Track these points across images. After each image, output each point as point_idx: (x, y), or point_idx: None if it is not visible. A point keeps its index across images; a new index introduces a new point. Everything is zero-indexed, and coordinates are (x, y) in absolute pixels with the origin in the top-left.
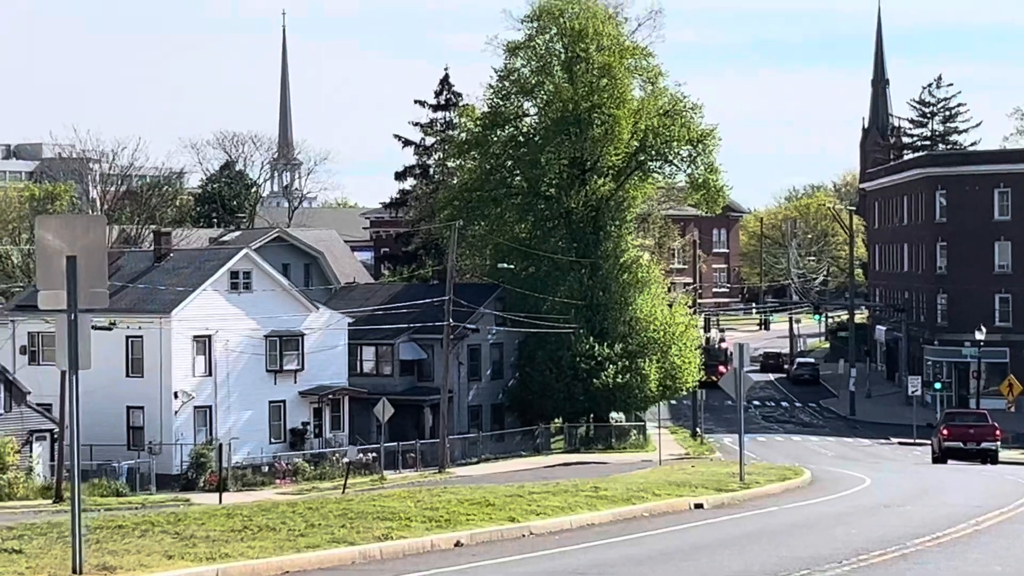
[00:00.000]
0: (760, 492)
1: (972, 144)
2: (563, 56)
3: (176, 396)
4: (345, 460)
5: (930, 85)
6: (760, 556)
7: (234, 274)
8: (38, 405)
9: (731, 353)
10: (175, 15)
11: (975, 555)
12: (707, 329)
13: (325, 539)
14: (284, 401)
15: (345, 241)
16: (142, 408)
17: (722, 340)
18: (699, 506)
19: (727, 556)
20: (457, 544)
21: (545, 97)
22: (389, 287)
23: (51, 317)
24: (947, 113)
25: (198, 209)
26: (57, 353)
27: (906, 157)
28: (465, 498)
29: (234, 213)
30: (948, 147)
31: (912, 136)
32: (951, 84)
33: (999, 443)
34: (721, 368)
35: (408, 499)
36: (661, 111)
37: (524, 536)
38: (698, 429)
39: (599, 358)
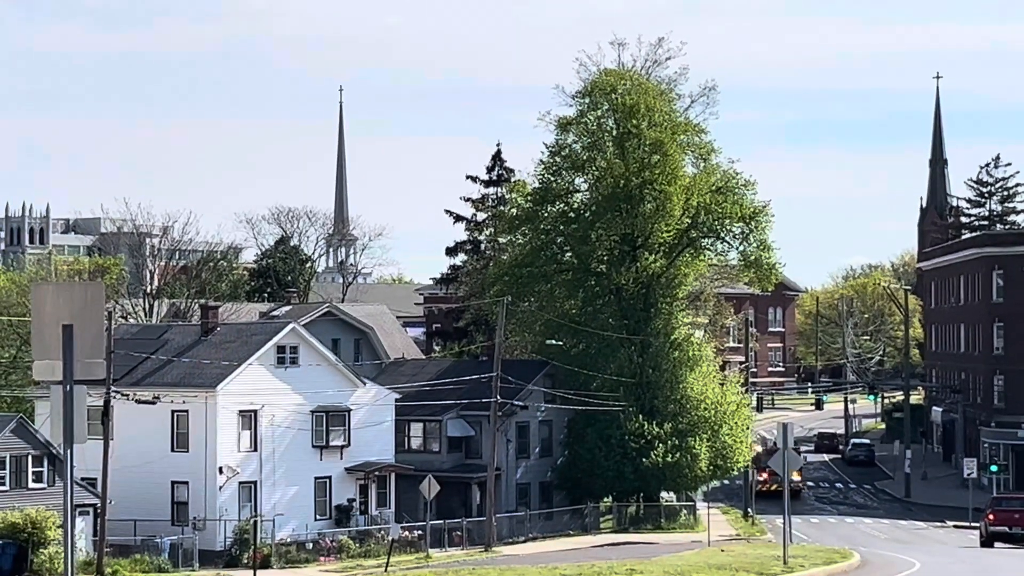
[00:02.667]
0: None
1: None
2: (615, 132)
3: (221, 471)
4: (389, 538)
5: (988, 165)
6: None
7: (280, 348)
8: (83, 479)
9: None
10: (234, 89)
11: None
12: (759, 409)
13: None
14: (330, 477)
15: (397, 316)
16: (187, 483)
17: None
18: None
19: None
20: None
21: (596, 173)
22: (438, 363)
23: (44, 389)
24: (1005, 193)
25: (252, 284)
26: (52, 425)
27: (963, 237)
28: None
29: (288, 288)
30: (1006, 227)
31: (970, 216)
32: (1009, 164)
33: None
34: (763, 475)
35: None
36: (713, 187)
37: None
38: (749, 510)
39: (649, 436)
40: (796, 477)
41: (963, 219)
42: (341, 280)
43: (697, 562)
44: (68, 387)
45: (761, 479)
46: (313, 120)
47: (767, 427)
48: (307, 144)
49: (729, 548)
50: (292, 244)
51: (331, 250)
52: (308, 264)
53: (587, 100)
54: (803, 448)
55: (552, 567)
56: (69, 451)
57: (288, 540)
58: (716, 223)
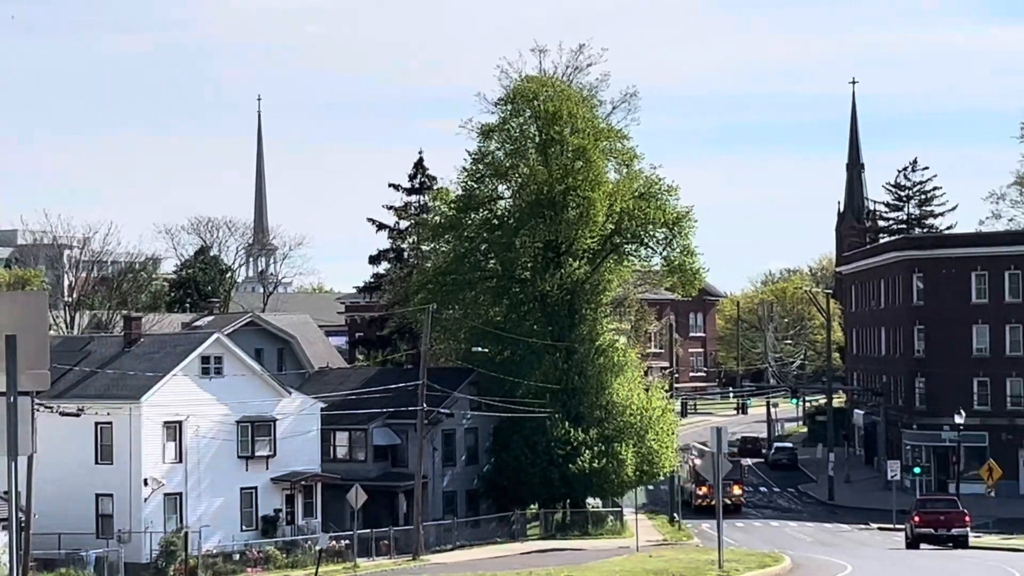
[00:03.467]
0: None
1: (948, 227)
2: (537, 139)
3: (146, 483)
4: (317, 548)
5: (905, 169)
6: None
7: (205, 359)
8: (4, 493)
9: (743, 472)
10: (153, 99)
11: None
12: (683, 414)
13: None
14: (256, 488)
15: (320, 326)
16: (111, 496)
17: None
18: None
19: None
20: None
21: (519, 180)
22: (363, 371)
23: None
24: (923, 196)
25: (172, 294)
26: None
27: (882, 240)
28: None
29: (208, 298)
30: (924, 230)
31: (888, 220)
32: (927, 167)
33: (968, 529)
34: (703, 489)
35: None
36: (636, 193)
37: None
38: (675, 515)
39: (575, 443)
40: (737, 491)
41: (881, 223)
42: (262, 290)
43: (633, 568)
44: (12, 399)
45: (701, 493)
46: (232, 129)
47: (694, 433)
48: (226, 153)
49: (659, 553)
50: (212, 254)
51: (251, 260)
52: (228, 274)
53: (509, 107)
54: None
55: (481, 573)
56: (14, 464)
57: (215, 551)
58: (639, 229)
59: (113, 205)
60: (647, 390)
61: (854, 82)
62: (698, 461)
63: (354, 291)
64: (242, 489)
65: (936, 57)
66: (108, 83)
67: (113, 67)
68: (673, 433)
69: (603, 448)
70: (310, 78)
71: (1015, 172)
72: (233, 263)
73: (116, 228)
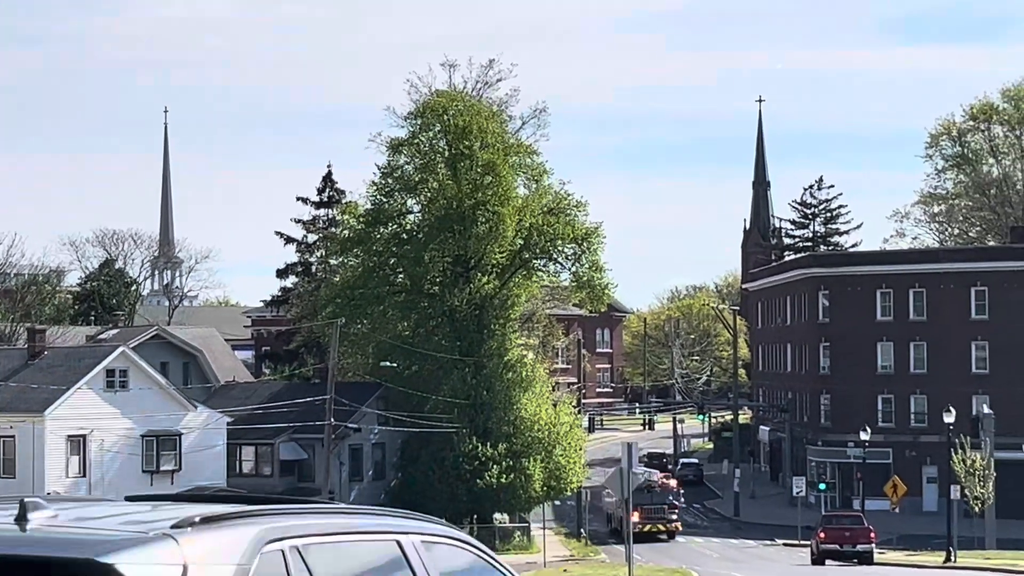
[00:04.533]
0: None
1: (853, 245)
2: (447, 153)
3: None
4: None
5: (811, 187)
6: None
7: (110, 372)
8: None
9: (678, 495)
10: (58, 112)
11: None
12: (591, 430)
13: None
14: None
15: (226, 339)
16: None
17: (665, 479)
18: None
19: None
20: None
21: (429, 194)
22: (269, 386)
23: None
24: (828, 215)
25: (76, 307)
26: None
27: (788, 258)
28: None
29: (113, 311)
30: (829, 248)
31: (794, 237)
32: (832, 186)
33: (873, 545)
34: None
35: None
36: (546, 209)
37: None
38: (583, 530)
39: (483, 458)
40: (673, 516)
41: (787, 240)
42: (167, 303)
43: None
44: None
45: (635, 520)
46: (138, 142)
47: (600, 449)
48: (132, 166)
49: (571, 569)
50: (117, 267)
51: (156, 273)
52: (133, 287)
53: (419, 121)
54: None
55: None
56: None
57: None
58: (548, 244)
59: (16, 218)
60: (555, 405)
61: (760, 100)
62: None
63: (261, 305)
64: None
65: (843, 77)
66: (13, 96)
67: (17, 81)
68: (581, 449)
69: (511, 463)
70: (218, 92)
71: (919, 191)
72: (138, 276)
73: (20, 240)
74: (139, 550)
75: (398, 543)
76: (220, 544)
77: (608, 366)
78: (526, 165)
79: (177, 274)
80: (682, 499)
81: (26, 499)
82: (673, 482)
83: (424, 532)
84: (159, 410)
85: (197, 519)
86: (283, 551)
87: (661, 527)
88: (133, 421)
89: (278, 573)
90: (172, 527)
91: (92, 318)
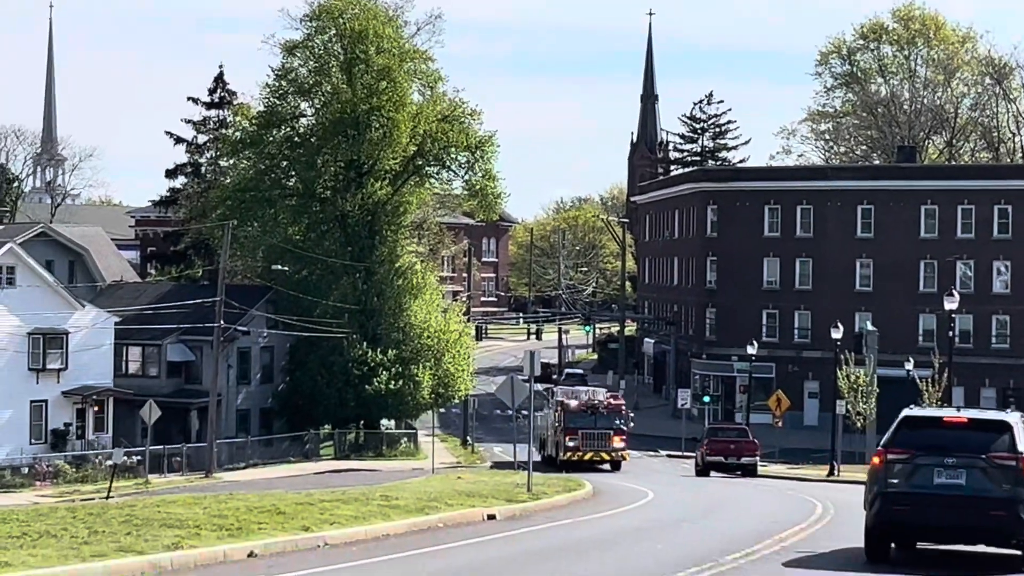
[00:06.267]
0: (549, 504)
1: (741, 161)
2: (342, 57)
3: None
4: (110, 462)
5: (701, 102)
6: (572, 573)
7: None
8: None
9: (627, 419)
10: None
11: (793, 572)
12: (479, 338)
13: (111, 547)
14: (46, 401)
15: (111, 239)
16: None
17: (612, 398)
18: (492, 517)
19: (538, 572)
20: (251, 555)
21: (323, 98)
22: (157, 287)
23: None
24: (717, 130)
25: None
26: None
27: (676, 172)
28: (254, 505)
29: None
30: (718, 163)
31: (682, 151)
32: (721, 101)
33: (758, 458)
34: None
35: (194, 505)
36: (439, 116)
37: (320, 547)
38: (469, 438)
39: (372, 364)
40: (619, 443)
41: (675, 154)
42: (50, 201)
43: (446, 489)
44: None
45: (570, 445)
46: (22, 36)
47: (487, 356)
48: (15, 61)
49: (465, 476)
50: None
51: (39, 170)
52: (15, 184)
53: (314, 24)
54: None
55: (306, 493)
56: None
57: (3, 464)
58: (442, 152)
59: None
60: (444, 313)
61: (651, 14)
62: (572, 403)
63: (146, 205)
64: (32, 402)
65: None
66: None
67: None
68: (469, 357)
69: (400, 370)
70: None
71: (807, 109)
72: (20, 173)
73: None
74: None
75: None
76: None
77: (493, 275)
78: (421, 71)
79: (60, 172)
80: (632, 423)
81: None
82: (621, 402)
83: None
84: (46, 308)
85: None
86: None
87: (604, 455)
88: (20, 319)
89: None
90: None
91: None
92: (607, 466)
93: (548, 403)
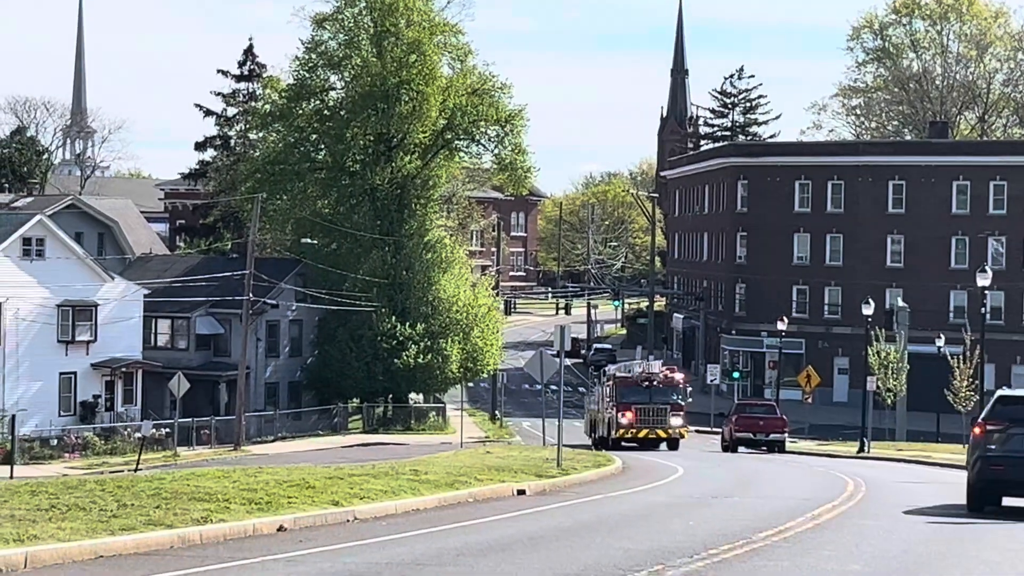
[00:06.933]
0: (579, 479)
1: (771, 136)
2: (372, 30)
3: None
4: (139, 435)
5: (731, 76)
6: (604, 549)
7: (27, 240)
8: None
9: (685, 393)
10: None
11: (827, 552)
12: (508, 313)
13: (140, 521)
14: (75, 373)
15: (140, 212)
16: None
17: (669, 371)
18: (522, 492)
19: (570, 548)
20: (280, 529)
21: (353, 71)
22: (186, 259)
23: None
24: (748, 104)
25: None
26: None
27: (707, 147)
28: (284, 479)
29: (25, 180)
30: (748, 138)
31: (713, 126)
32: (752, 76)
33: (786, 434)
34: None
35: (224, 479)
36: (470, 90)
37: (349, 521)
38: (497, 412)
39: (401, 338)
40: (677, 421)
41: (705, 129)
42: (79, 173)
43: (475, 463)
44: None
45: (624, 422)
46: (51, 8)
47: (515, 331)
48: (45, 33)
49: (495, 450)
50: (29, 135)
51: (68, 142)
52: (45, 156)
53: None
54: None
55: (336, 467)
56: None
57: (31, 436)
58: (472, 125)
59: None
60: (473, 287)
61: None
62: (625, 375)
63: (177, 178)
64: (61, 374)
65: None
66: None
67: None
68: (498, 331)
69: (429, 344)
70: None
71: (838, 84)
72: (50, 145)
73: None
74: None
75: None
76: None
77: (522, 250)
78: (451, 44)
79: (90, 144)
80: (691, 398)
81: None
82: (679, 375)
83: None
84: (75, 280)
85: None
86: None
87: (661, 432)
88: (49, 291)
89: None
90: None
91: (4, 185)
92: (664, 445)
93: (600, 380)
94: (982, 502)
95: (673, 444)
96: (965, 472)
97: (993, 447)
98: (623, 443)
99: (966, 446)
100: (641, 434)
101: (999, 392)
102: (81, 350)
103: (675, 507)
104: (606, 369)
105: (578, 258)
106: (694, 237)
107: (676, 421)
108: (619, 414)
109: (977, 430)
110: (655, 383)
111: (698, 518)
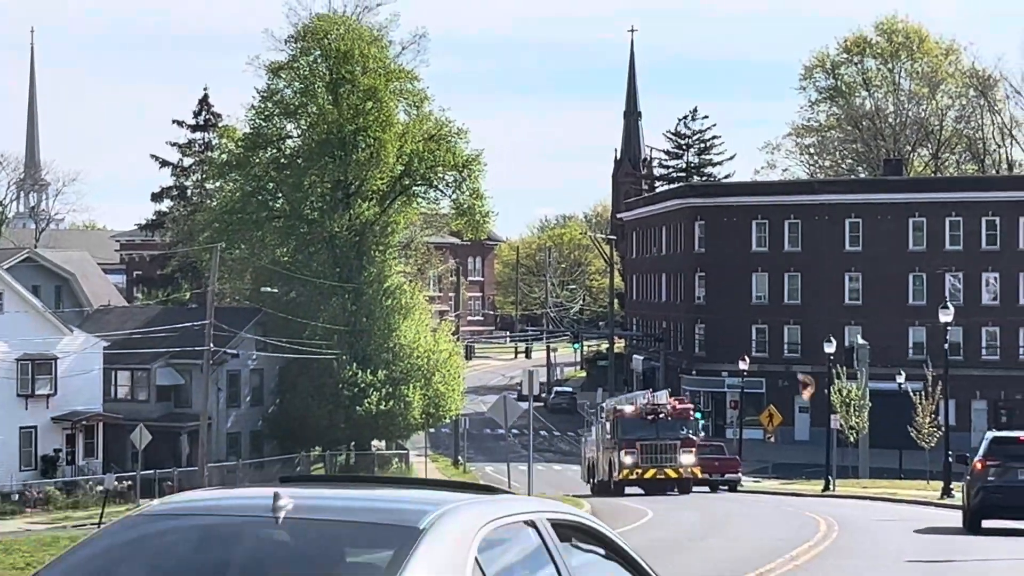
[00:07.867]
0: None
1: (726, 176)
2: (327, 78)
3: None
4: (100, 488)
5: (685, 117)
6: None
7: None
8: None
9: (696, 427)
10: None
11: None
12: (468, 358)
13: None
14: (36, 427)
15: (97, 263)
16: None
17: (678, 402)
18: None
19: None
20: None
21: (309, 119)
22: (145, 310)
23: None
24: (702, 145)
25: None
26: None
27: (662, 188)
28: None
29: None
30: (703, 179)
31: (667, 167)
32: (706, 117)
33: (740, 474)
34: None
35: None
36: (426, 135)
37: None
38: (460, 457)
39: (362, 385)
40: (688, 460)
41: (660, 170)
42: (34, 226)
43: None
44: None
45: (627, 462)
46: (2, 61)
47: (475, 376)
48: None
49: None
50: None
51: (22, 195)
52: None
53: (299, 45)
54: (511, 396)
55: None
56: None
57: None
58: (429, 171)
59: None
60: (434, 332)
61: (632, 31)
62: (627, 408)
63: (133, 229)
64: (21, 428)
65: (716, 7)
66: None
67: None
68: (459, 376)
69: (390, 390)
70: (85, 11)
71: (791, 123)
72: (4, 198)
73: None
74: None
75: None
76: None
77: (480, 294)
78: (407, 91)
79: (44, 196)
80: (702, 431)
81: None
82: (688, 406)
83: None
84: (34, 334)
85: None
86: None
87: (670, 472)
88: (8, 345)
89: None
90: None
91: None
92: (674, 488)
93: (597, 416)
94: (977, 525)
95: (684, 486)
96: (934, 508)
97: (992, 479)
98: (627, 486)
99: (963, 483)
100: (648, 475)
101: (991, 434)
102: (41, 404)
103: (649, 551)
104: (603, 404)
105: (536, 301)
106: (652, 278)
107: (687, 459)
108: (621, 453)
109: (979, 465)
110: (662, 416)
111: (675, 563)
